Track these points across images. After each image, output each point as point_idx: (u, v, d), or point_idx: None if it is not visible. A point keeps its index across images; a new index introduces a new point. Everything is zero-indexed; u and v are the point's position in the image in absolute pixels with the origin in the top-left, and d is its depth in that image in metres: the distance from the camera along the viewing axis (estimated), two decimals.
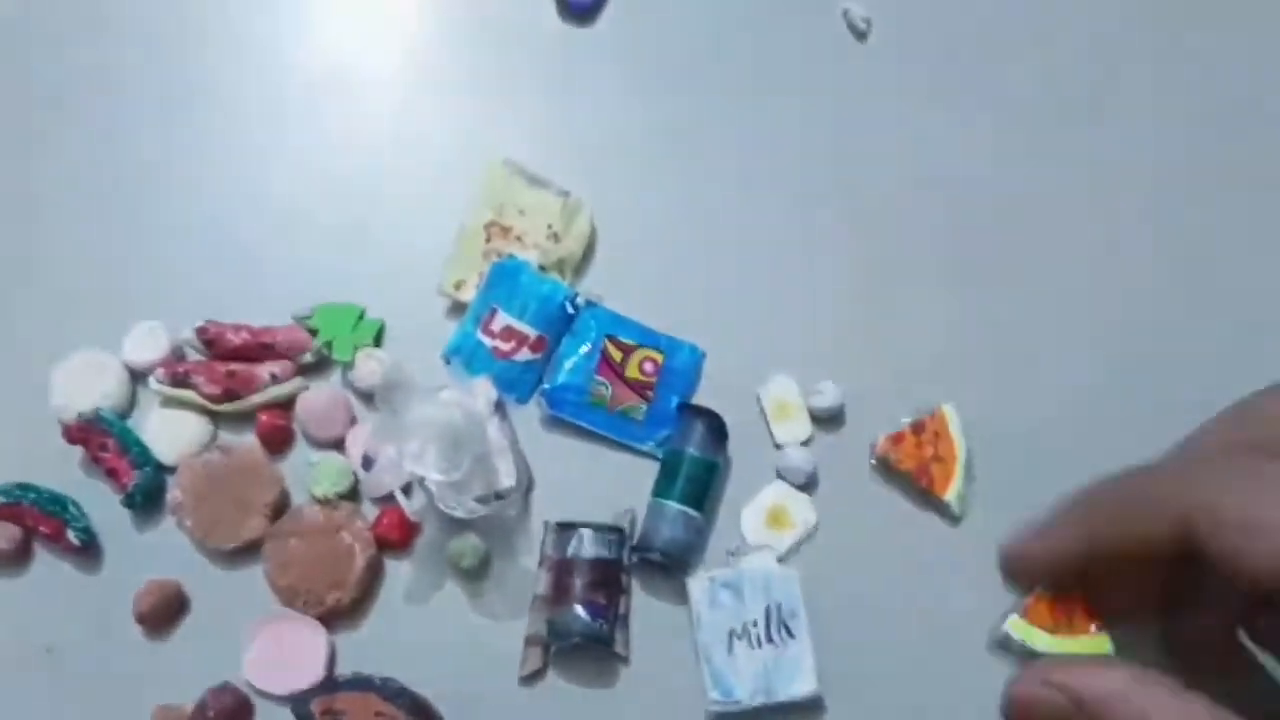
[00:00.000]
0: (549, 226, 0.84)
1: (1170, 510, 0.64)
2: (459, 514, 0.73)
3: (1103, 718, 0.38)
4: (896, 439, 0.79)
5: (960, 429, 0.80)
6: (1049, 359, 0.82)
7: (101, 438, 0.77)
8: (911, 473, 0.78)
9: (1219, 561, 0.60)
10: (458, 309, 0.83)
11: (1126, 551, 0.70)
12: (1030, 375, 0.82)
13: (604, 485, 0.81)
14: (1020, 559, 0.76)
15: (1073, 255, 0.86)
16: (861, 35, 0.89)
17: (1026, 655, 0.44)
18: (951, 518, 0.79)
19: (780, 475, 0.80)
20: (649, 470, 0.80)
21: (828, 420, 0.81)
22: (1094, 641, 0.73)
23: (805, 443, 0.81)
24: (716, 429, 0.79)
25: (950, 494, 0.78)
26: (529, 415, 0.82)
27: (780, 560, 0.78)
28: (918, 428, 0.79)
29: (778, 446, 0.81)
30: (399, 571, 0.79)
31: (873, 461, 0.80)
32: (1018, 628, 0.71)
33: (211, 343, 0.79)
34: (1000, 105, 0.89)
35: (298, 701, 0.74)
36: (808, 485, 0.79)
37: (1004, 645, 0.44)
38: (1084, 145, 0.89)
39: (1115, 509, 0.70)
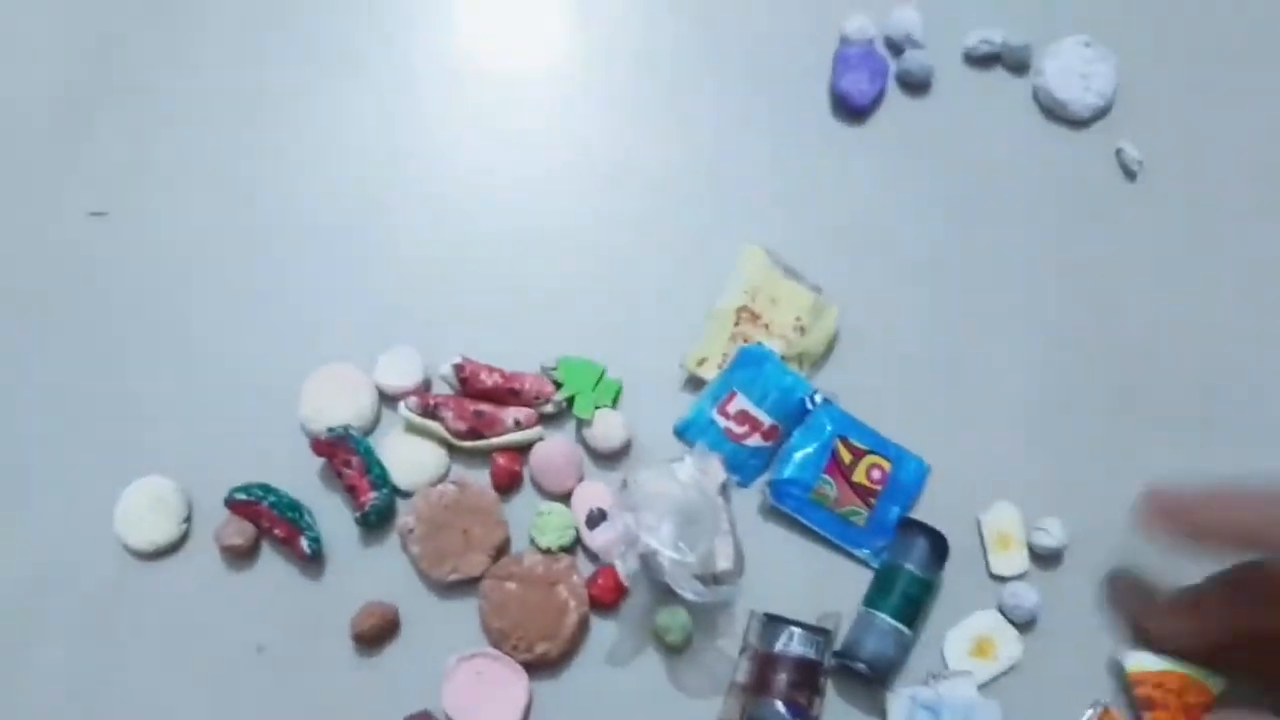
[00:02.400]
0: (797, 319, 0.85)
1: None
2: (688, 596, 0.74)
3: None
4: None
5: None
6: None
7: (347, 454, 0.79)
8: None
9: None
10: (693, 384, 0.85)
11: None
12: None
13: (811, 584, 0.81)
14: (1157, 630, 0.78)
15: None
16: (1131, 175, 0.90)
17: None
18: None
19: (1001, 609, 0.80)
20: (858, 576, 0.81)
21: (1047, 558, 0.81)
22: None
23: (1021, 576, 0.81)
24: (939, 549, 0.79)
25: None
26: (748, 500, 0.83)
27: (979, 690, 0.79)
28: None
29: (993, 576, 0.81)
30: (603, 631, 0.80)
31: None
32: None
33: (466, 380, 0.81)
34: (1261, 261, 0.89)
35: None
36: (1027, 624, 0.79)
37: None
38: None
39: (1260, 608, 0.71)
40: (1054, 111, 0.92)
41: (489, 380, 0.81)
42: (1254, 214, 0.90)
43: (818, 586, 0.81)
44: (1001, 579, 0.81)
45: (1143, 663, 0.78)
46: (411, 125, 0.93)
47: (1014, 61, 0.93)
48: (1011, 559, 0.81)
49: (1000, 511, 0.82)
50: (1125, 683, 0.77)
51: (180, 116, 0.94)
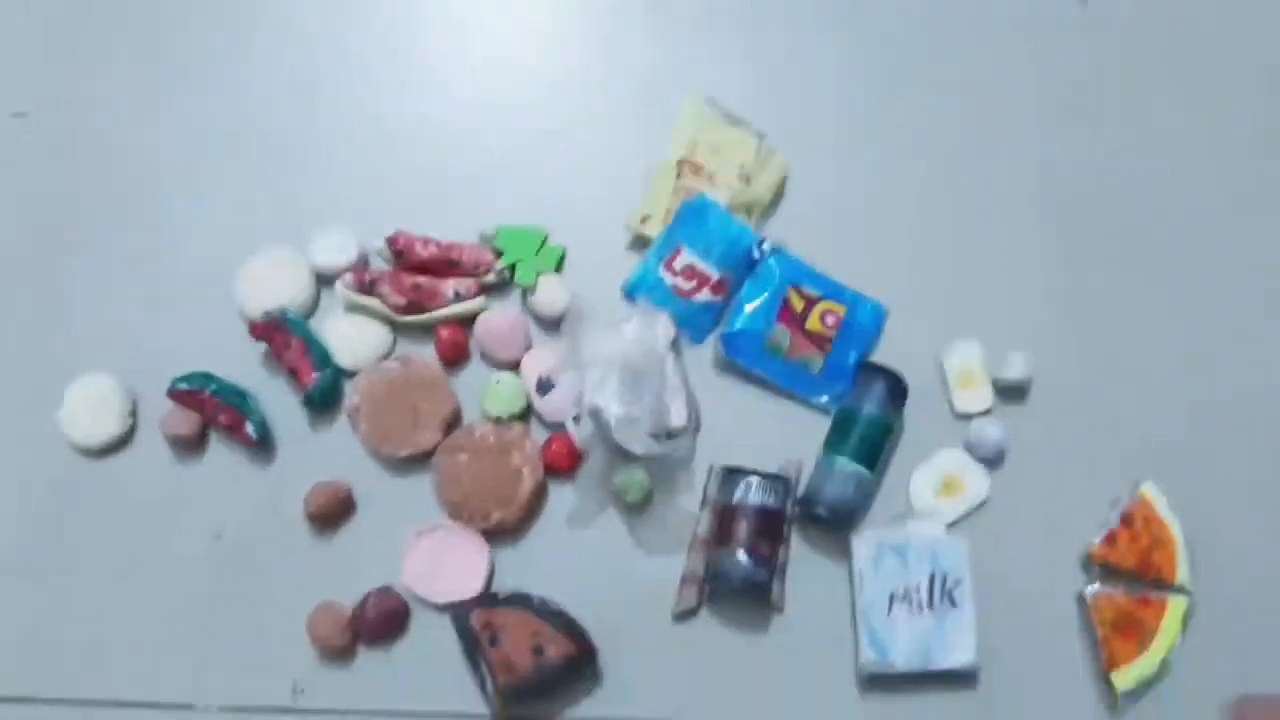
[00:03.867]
0: (741, 167, 0.82)
1: None
2: (636, 450, 0.73)
3: None
4: (1110, 540, 0.76)
5: (1169, 509, 0.77)
6: (1244, 367, 0.80)
7: (286, 336, 0.78)
8: (1135, 570, 0.76)
9: None
10: (640, 243, 0.83)
11: None
12: (1226, 381, 0.80)
13: (771, 434, 0.80)
14: None
15: None
16: (1083, 1, 0.86)
17: None
18: (1184, 592, 0.76)
19: (968, 447, 0.78)
20: (817, 423, 0.79)
21: (1012, 393, 0.79)
22: None
23: (985, 413, 0.79)
24: (897, 390, 0.77)
25: (1181, 577, 0.76)
26: (702, 356, 0.81)
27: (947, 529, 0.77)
28: (1127, 520, 0.76)
29: (956, 414, 0.79)
30: (561, 496, 0.79)
31: (1094, 567, 0.77)
32: None
33: (401, 253, 0.79)
34: (1221, 93, 0.86)
35: (458, 612, 0.74)
36: (994, 460, 0.78)
37: None
38: None
39: None
40: None
41: (425, 252, 0.79)
42: (1205, 36, 0.87)
43: (778, 437, 0.80)
44: (966, 417, 0.79)
45: (1158, 496, 0.77)
46: (342, 7, 0.90)
47: None
48: (975, 396, 0.79)
49: (962, 349, 0.80)
50: (1134, 492, 0.77)
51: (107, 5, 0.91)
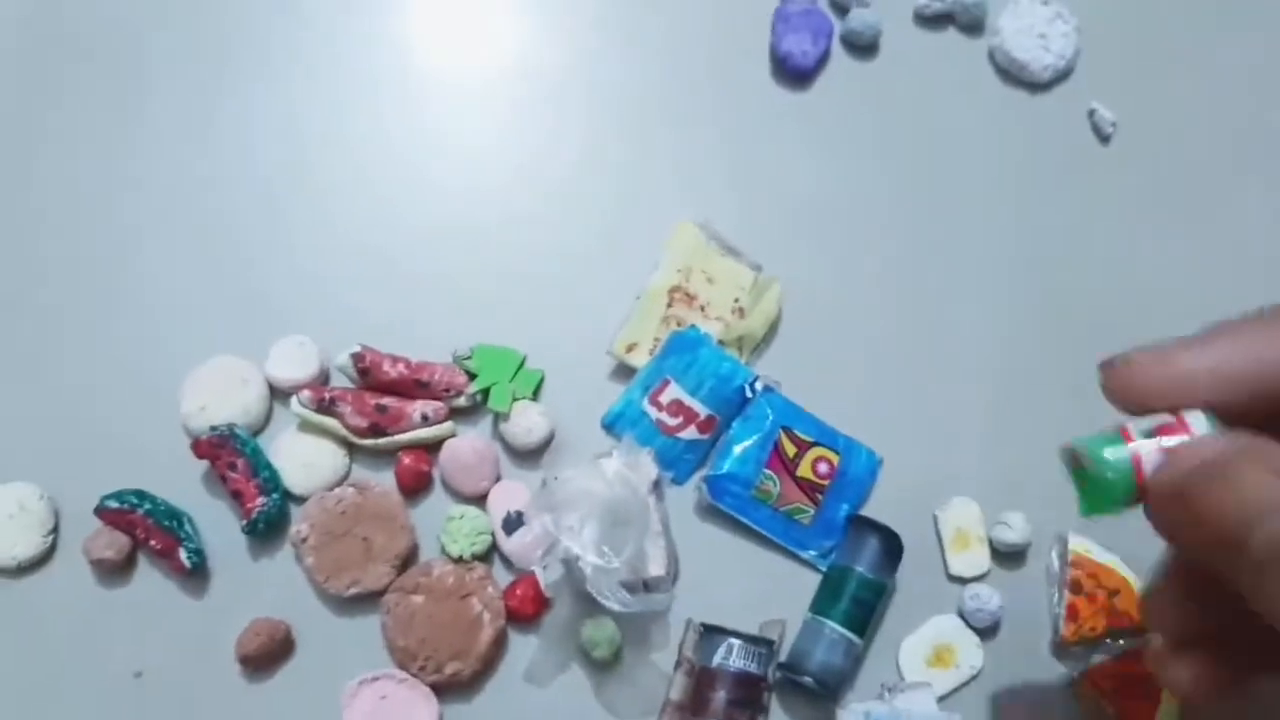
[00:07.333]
0: (735, 300, 0.77)
1: None
2: (612, 605, 0.67)
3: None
4: (1072, 615, 0.72)
5: (1104, 551, 0.73)
6: None
7: (232, 456, 0.71)
8: (1108, 629, 0.71)
9: None
10: (623, 372, 0.77)
11: None
12: None
13: (753, 589, 0.74)
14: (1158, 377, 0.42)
15: None
16: (1105, 139, 0.83)
17: None
18: None
19: (962, 613, 0.72)
20: (804, 580, 0.74)
21: (1009, 556, 0.74)
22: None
23: (981, 577, 0.74)
24: (893, 549, 0.72)
25: None
26: (683, 499, 0.76)
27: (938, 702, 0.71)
28: (1074, 586, 0.72)
29: (951, 577, 0.74)
30: (523, 646, 0.72)
31: (1069, 651, 0.73)
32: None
33: (366, 371, 0.72)
34: (1240, 227, 0.83)
35: None
36: (990, 629, 0.72)
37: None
38: None
39: None
40: (1011, 74, 0.84)
41: (393, 371, 0.73)
42: (1234, 176, 0.83)
43: (760, 593, 0.74)
44: (961, 580, 0.74)
45: (1088, 547, 0.73)
46: (308, 108, 0.83)
47: (968, 20, 0.86)
48: (971, 559, 0.74)
49: (958, 507, 0.75)
50: (1065, 556, 0.73)
51: (59, 105, 0.83)
